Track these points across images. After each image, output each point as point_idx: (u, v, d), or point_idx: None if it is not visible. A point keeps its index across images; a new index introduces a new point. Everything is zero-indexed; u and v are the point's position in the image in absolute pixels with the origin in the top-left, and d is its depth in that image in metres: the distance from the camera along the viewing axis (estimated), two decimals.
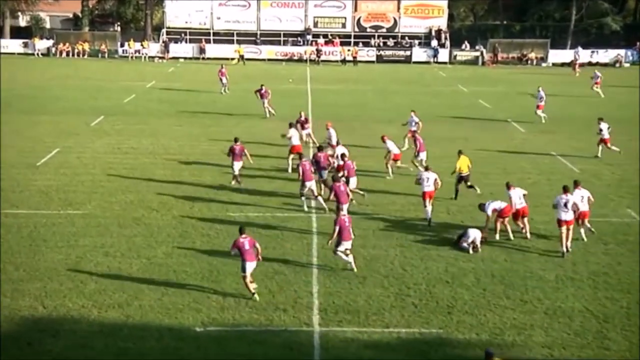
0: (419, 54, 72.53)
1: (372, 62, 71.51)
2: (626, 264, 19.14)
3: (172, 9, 74.48)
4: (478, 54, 72.91)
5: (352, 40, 73.45)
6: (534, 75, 59.99)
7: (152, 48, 73.34)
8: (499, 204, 20.64)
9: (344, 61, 70.48)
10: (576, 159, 30.09)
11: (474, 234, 19.82)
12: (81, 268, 18.12)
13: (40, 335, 14.78)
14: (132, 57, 72.75)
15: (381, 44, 73.35)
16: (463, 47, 74.37)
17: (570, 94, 49.31)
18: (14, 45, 74.98)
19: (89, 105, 43.08)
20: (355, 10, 73.92)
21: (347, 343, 14.96)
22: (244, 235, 16.61)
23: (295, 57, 72.67)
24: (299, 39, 74.20)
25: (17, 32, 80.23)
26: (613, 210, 23.38)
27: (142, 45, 73.21)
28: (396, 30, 73.81)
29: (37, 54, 73.31)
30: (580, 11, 77.35)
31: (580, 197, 20.50)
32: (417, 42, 73.54)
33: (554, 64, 64.24)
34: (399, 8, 73.42)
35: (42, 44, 74.68)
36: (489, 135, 34.92)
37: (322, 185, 23.95)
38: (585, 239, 20.58)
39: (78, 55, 73.54)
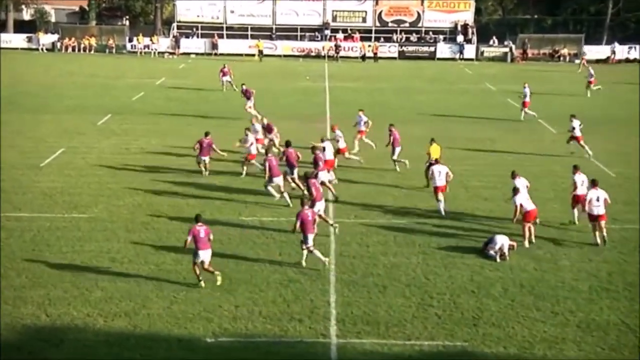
0: (444, 50, 72.44)
1: (394, 58, 71.49)
2: None
3: (183, 2, 74.82)
4: (507, 50, 72.70)
5: (373, 35, 73.48)
6: (567, 73, 59.66)
7: (162, 43, 73.73)
8: (527, 202, 20.62)
9: (364, 57, 70.48)
10: (612, 161, 29.88)
11: (502, 241, 19.73)
12: (86, 275, 18.20)
13: (43, 345, 14.86)
14: (141, 53, 73.17)
15: (403, 40, 73.30)
16: (491, 42, 74.20)
17: (605, 94, 48.98)
18: (18, 40, 75.68)
19: (95, 103, 43.36)
20: (377, 3, 73.93)
21: (366, 356, 14.93)
22: (200, 224, 17.70)
23: (313, 53, 72.83)
24: (316, 34, 74.32)
25: (21, 26, 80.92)
26: None
27: (151, 40, 73.62)
28: (420, 24, 73.75)
29: (42, 49, 73.90)
30: (617, 4, 76.87)
31: (581, 182, 21.97)
32: (441, 37, 73.47)
33: (588, 61, 63.92)
34: (422, 1, 73.42)
35: (46, 39, 75.28)
36: (517, 137, 34.78)
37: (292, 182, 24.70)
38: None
39: (84, 51, 74.08)
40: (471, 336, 15.65)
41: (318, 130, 34.51)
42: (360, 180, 27.26)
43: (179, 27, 74.99)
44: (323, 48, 72.30)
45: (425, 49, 72.72)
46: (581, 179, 22.10)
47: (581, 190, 21.80)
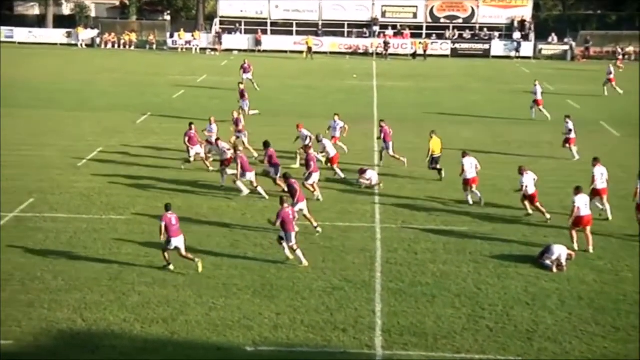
0: (499, 47, 71.85)
1: (446, 56, 71.14)
2: None
3: None
4: (567, 47, 71.79)
5: (424, 31, 73.18)
6: (632, 72, 58.66)
7: (204, 39, 74.32)
8: (584, 207, 20.46)
9: (414, 55, 70.21)
10: None
11: (559, 251, 19.48)
12: (123, 278, 18.44)
13: (79, 351, 15.08)
14: (182, 49, 73.92)
15: (456, 36, 72.87)
16: (550, 40, 73.36)
17: None
18: (57, 36, 77.03)
19: (135, 101, 43.91)
20: None
21: None
22: (170, 212, 18.92)
23: (361, 50, 72.78)
24: (364, 30, 74.27)
25: (61, 21, 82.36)
26: None
27: (193, 36, 74.27)
28: (474, 20, 73.26)
29: (81, 45, 75.11)
30: None
31: (600, 174, 22.89)
32: (497, 34, 72.89)
33: None
34: None
35: (86, 34, 76.48)
36: (577, 139, 34.28)
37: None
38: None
39: (124, 47, 75.09)
40: (525, 350, 15.48)
41: (364, 132, 34.49)
42: (407, 184, 27.16)
43: (221, 23, 75.53)
44: (371, 45, 72.20)
45: (479, 46, 72.19)
46: (600, 171, 22.98)
47: (600, 184, 22.85)
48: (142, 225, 22.21)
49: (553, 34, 73.94)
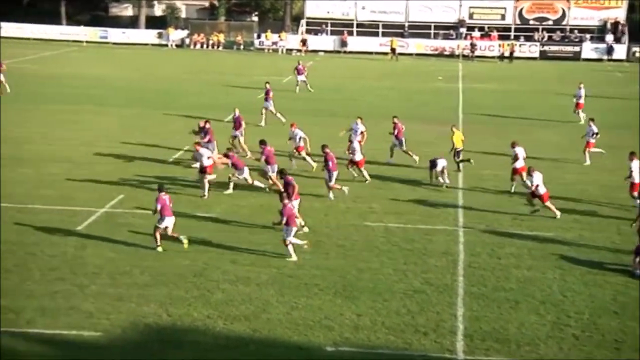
0: (590, 50, 70.17)
1: (534, 58, 69.88)
2: None
3: None
4: None
5: (512, 33, 72.03)
6: None
7: (290, 40, 74.86)
8: None
9: (502, 57, 69.22)
10: None
11: None
12: (208, 275, 18.73)
13: (164, 346, 15.38)
14: (268, 50, 74.62)
15: (545, 38, 71.49)
16: None
17: None
18: (149, 36, 78.80)
19: (221, 101, 44.53)
20: (518, 0, 72.38)
21: None
22: (164, 193, 20.35)
23: (447, 52, 72.16)
24: (451, 31, 73.60)
25: (152, 22, 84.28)
26: None
27: (279, 37, 74.90)
28: (564, 22, 71.75)
29: (171, 45, 76.65)
30: None
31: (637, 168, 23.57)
32: (588, 36, 71.16)
33: None
34: None
35: (176, 35, 77.98)
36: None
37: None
38: None
39: (212, 47, 76.26)
40: None
41: (449, 134, 34.17)
42: (492, 188, 26.80)
43: (308, 24, 75.99)
44: (458, 47, 71.49)
45: (569, 48, 70.63)
46: (637, 165, 23.57)
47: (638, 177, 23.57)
48: (227, 224, 22.51)
49: None
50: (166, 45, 76.65)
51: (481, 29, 73.02)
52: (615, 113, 41.10)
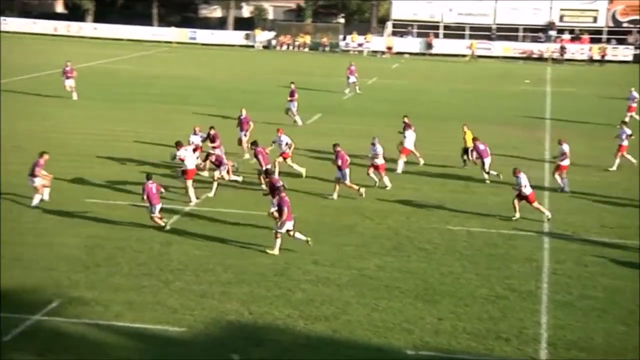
0: None
1: (628, 62, 67.91)
2: None
3: (399, 0, 75.43)
4: None
5: (605, 36, 70.22)
6: None
7: (376, 42, 74.76)
8: None
9: (591, 60, 67.59)
10: None
11: None
12: (289, 275, 18.85)
13: (245, 343, 15.54)
14: (353, 52, 74.69)
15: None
16: None
17: None
18: (236, 37, 79.93)
19: (305, 102, 44.68)
20: (611, 2, 70.52)
21: None
22: (151, 181, 21.32)
23: (535, 55, 70.88)
24: (540, 34, 72.23)
25: (240, 24, 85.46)
26: None
27: (365, 38, 74.91)
28: None
29: (258, 47, 77.53)
30: None
31: None
32: None
33: None
34: None
35: (263, 36, 78.84)
36: None
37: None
38: None
39: (298, 49, 76.78)
40: None
41: (536, 138, 33.55)
42: (578, 193, 26.21)
43: (393, 26, 75.78)
44: (546, 50, 70.12)
45: None
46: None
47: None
48: (309, 224, 22.58)
49: None
50: (253, 47, 77.56)
51: (571, 31, 71.42)
52: None
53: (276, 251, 19.98)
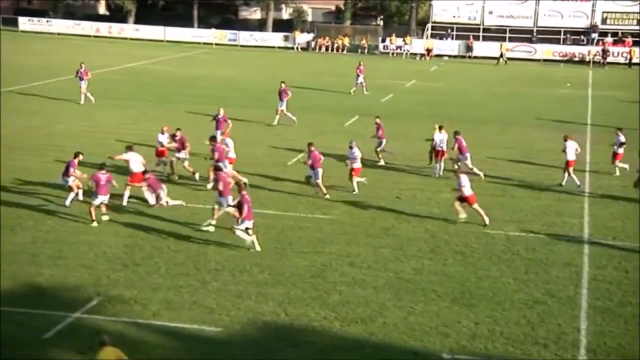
0: None
1: None
2: None
3: (439, 2, 75.15)
4: None
5: None
6: None
7: (415, 44, 74.53)
8: None
9: (629, 64, 66.70)
10: None
11: None
12: (325, 277, 18.87)
13: (281, 344, 15.60)
14: (392, 54, 74.56)
15: None
16: None
17: None
18: (275, 39, 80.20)
19: (344, 104, 44.82)
20: None
21: None
22: (103, 171, 21.83)
23: (576, 58, 70.09)
24: (582, 37, 71.44)
25: (279, 25, 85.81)
26: None
27: (404, 41, 74.71)
28: None
29: (297, 48, 77.71)
30: None
31: None
32: None
33: None
34: None
35: (302, 38, 79.01)
36: None
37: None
38: None
39: (337, 50, 76.82)
40: None
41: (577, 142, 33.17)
42: (620, 198, 25.88)
43: (433, 28, 75.48)
44: (588, 53, 69.31)
45: None
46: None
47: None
48: (345, 226, 22.62)
49: None
50: (292, 48, 77.75)
51: (614, 34, 70.51)
52: None
53: (252, 245, 20.20)
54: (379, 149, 30.12)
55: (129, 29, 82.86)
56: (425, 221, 23.27)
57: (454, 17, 74.40)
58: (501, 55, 68.18)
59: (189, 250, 20.21)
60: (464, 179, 22.98)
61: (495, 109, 44.54)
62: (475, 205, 22.93)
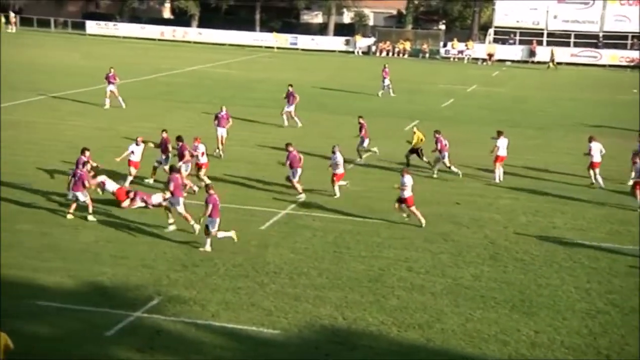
0: None
1: None
2: None
3: (502, 6, 74.34)
4: None
5: None
6: None
7: (477, 49, 73.89)
8: None
9: None
10: None
11: None
12: (383, 281, 18.82)
13: (338, 348, 15.59)
14: (454, 59, 74.05)
15: None
16: None
17: None
18: (336, 43, 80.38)
19: (404, 108, 44.65)
20: None
21: None
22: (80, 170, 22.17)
23: None
24: None
25: (341, 30, 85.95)
26: None
27: (466, 45, 74.12)
28: None
29: (357, 52, 77.74)
30: None
31: None
32: None
33: None
34: None
35: (363, 42, 79.04)
36: None
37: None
38: None
39: (398, 55, 76.60)
40: None
41: (634, 148, 32.46)
42: None
43: (495, 33, 74.73)
44: None
45: None
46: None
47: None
48: (403, 231, 22.52)
49: None
50: (353, 52, 77.81)
51: None
52: None
53: (208, 248, 20.23)
54: (360, 148, 30.75)
55: (193, 33, 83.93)
56: (484, 227, 23.04)
57: (517, 21, 73.50)
58: (552, 61, 67.15)
59: (247, 253, 20.36)
60: (408, 179, 22.85)
61: (558, 114, 43.87)
62: (413, 208, 22.87)
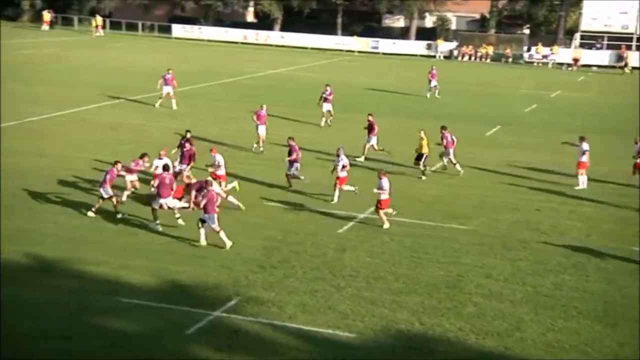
0: None
1: None
2: None
3: (590, 10, 72.67)
4: None
5: None
6: None
7: (562, 54, 72.42)
8: None
9: None
10: None
11: None
12: (461, 288, 18.62)
13: (414, 353, 15.49)
14: (537, 63, 72.76)
15: None
16: None
17: None
18: (418, 47, 79.99)
19: (486, 113, 44.11)
20: None
21: None
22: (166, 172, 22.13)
23: None
24: None
25: (422, 34, 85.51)
26: None
27: (551, 50, 72.75)
28: None
29: (439, 57, 77.15)
30: None
31: None
32: None
33: None
34: None
35: (445, 46, 78.42)
36: None
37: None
38: None
39: (480, 59, 75.72)
40: None
41: None
42: None
43: (582, 37, 73.12)
44: None
45: None
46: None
47: None
48: (482, 237, 22.24)
49: None
50: (434, 57, 77.25)
51: None
52: None
53: (229, 243, 20.35)
54: (374, 145, 30.92)
55: (275, 36, 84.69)
56: (565, 235, 22.58)
57: (605, 25, 71.74)
58: (625, 65, 65.24)
59: (325, 256, 20.41)
60: (385, 182, 22.63)
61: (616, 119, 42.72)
62: (382, 211, 22.66)
